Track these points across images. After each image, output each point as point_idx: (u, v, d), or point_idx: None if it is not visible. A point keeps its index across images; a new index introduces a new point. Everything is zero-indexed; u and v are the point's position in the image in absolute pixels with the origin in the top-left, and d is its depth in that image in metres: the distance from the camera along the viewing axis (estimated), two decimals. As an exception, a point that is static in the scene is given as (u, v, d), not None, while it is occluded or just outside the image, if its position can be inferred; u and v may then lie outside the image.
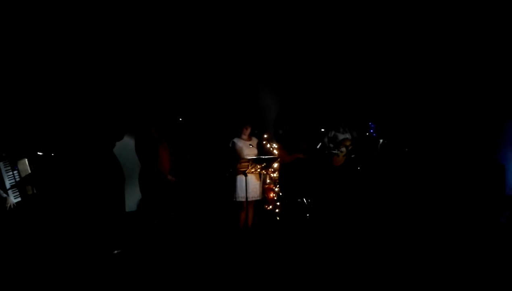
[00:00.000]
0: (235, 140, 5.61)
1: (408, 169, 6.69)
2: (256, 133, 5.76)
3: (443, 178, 6.55)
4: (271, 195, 5.63)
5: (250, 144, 5.58)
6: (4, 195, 4.81)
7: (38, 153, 5.09)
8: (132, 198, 6.41)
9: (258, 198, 5.59)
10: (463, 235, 5.30)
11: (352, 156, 6.66)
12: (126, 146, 6.16)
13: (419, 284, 4.03)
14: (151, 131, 5.69)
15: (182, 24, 6.31)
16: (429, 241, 5.15)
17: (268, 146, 5.70)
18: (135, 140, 5.84)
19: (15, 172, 4.92)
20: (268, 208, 5.66)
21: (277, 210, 5.62)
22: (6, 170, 4.89)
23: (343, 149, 6.60)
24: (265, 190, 5.73)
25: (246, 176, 5.21)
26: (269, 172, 5.62)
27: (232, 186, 5.48)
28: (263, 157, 5.46)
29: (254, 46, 6.91)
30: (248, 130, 5.63)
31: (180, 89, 6.61)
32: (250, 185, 5.34)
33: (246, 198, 5.27)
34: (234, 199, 5.46)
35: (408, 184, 6.55)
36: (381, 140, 6.80)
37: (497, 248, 4.86)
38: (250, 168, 5.17)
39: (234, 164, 5.27)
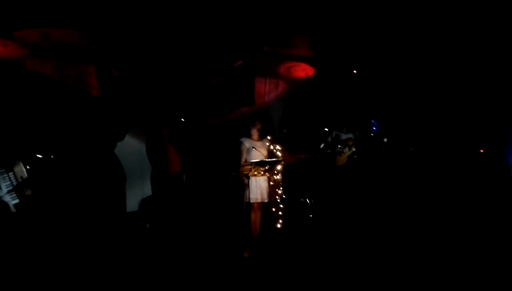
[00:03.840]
0: (243, 140, 5.46)
1: (412, 168, 6.62)
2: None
3: (448, 178, 6.48)
4: (274, 197, 5.55)
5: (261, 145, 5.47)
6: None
7: (38, 155, 5.01)
8: (134, 198, 6.34)
9: (266, 200, 5.50)
10: (466, 235, 5.26)
11: (355, 157, 6.58)
12: (128, 146, 6.08)
13: (420, 284, 4.09)
14: (162, 133, 5.60)
15: (187, 25, 6.20)
16: (431, 241, 5.14)
17: (272, 147, 5.56)
18: (146, 141, 5.75)
19: (10, 174, 4.87)
20: (271, 210, 5.58)
21: (280, 213, 5.53)
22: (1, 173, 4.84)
23: (346, 149, 6.54)
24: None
25: (249, 178, 5.12)
26: (271, 174, 5.51)
27: (243, 188, 5.34)
28: (266, 159, 5.36)
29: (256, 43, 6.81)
30: (256, 129, 5.48)
31: (186, 90, 6.50)
32: (258, 187, 5.27)
33: (249, 199, 5.18)
34: (247, 200, 5.31)
35: (413, 184, 6.49)
36: (385, 140, 6.71)
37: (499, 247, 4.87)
38: (253, 170, 5.08)
39: (237, 167, 5.19)
